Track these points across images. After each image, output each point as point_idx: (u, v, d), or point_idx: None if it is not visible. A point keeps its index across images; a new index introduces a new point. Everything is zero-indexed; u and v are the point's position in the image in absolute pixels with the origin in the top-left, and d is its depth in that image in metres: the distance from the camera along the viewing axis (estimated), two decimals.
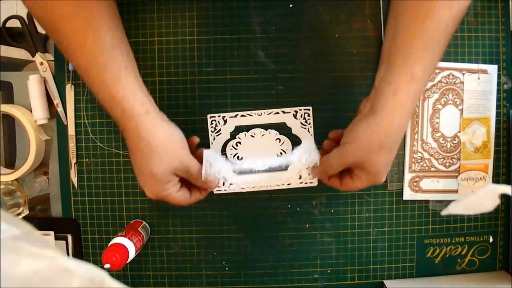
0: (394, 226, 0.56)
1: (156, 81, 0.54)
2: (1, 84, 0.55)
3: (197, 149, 0.51)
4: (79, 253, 0.56)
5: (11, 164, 0.56)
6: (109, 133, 0.54)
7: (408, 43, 0.43)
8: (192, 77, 0.54)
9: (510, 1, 0.55)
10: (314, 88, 0.54)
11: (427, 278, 0.56)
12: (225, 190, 0.51)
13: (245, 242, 0.56)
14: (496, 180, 0.56)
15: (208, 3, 0.54)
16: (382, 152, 0.44)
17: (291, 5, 0.53)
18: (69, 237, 0.56)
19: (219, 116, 0.54)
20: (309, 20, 0.54)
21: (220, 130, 0.54)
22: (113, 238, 0.49)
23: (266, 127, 0.54)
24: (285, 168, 0.51)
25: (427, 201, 0.56)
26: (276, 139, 0.54)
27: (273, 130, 0.54)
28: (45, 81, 0.54)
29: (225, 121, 0.54)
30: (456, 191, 0.55)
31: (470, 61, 0.54)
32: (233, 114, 0.54)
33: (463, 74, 0.54)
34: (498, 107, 0.55)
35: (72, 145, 0.55)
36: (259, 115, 0.54)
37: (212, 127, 0.54)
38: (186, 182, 0.48)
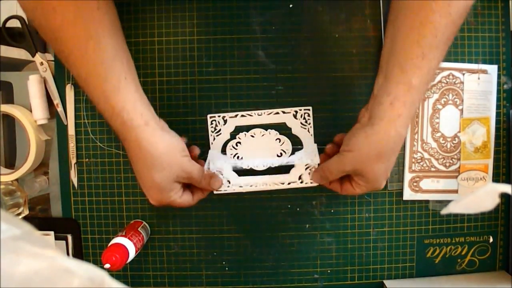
0: (394, 226, 0.56)
1: (156, 81, 0.54)
2: (1, 84, 0.55)
3: (199, 159, 0.52)
4: (79, 253, 0.56)
5: (11, 164, 0.56)
6: (109, 133, 0.54)
7: (405, 52, 0.43)
8: (192, 77, 0.54)
9: (510, 1, 0.55)
10: (314, 88, 0.54)
11: (427, 278, 0.56)
12: (225, 190, 0.52)
13: (245, 242, 0.56)
14: (496, 180, 0.56)
15: (208, 3, 0.54)
16: (381, 161, 0.45)
17: (291, 5, 0.53)
18: (69, 237, 0.56)
19: (219, 116, 0.54)
20: (309, 20, 0.54)
21: (220, 130, 0.54)
22: (113, 238, 0.49)
23: (266, 127, 0.54)
24: (287, 170, 0.51)
25: (427, 201, 0.56)
26: (276, 139, 0.54)
27: (273, 130, 0.54)
28: (45, 81, 0.54)
29: (225, 121, 0.54)
30: (456, 191, 0.55)
31: (470, 61, 0.54)
32: (233, 114, 0.54)
33: (463, 74, 0.54)
34: (498, 107, 0.55)
35: (72, 145, 0.55)
36: (259, 115, 0.54)
37: (212, 127, 0.54)
38: (189, 185, 0.49)
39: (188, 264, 0.56)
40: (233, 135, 0.54)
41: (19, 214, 0.54)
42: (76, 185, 0.55)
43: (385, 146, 0.44)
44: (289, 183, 0.53)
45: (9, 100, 0.55)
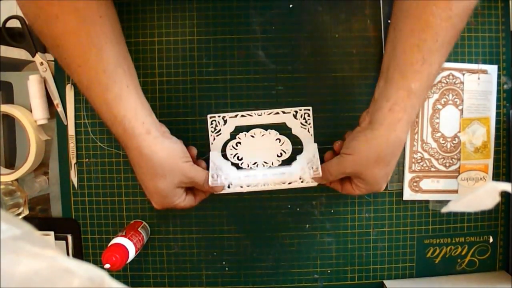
0: (394, 226, 0.56)
1: (156, 81, 0.54)
2: (1, 84, 0.55)
3: (199, 159, 0.52)
4: (79, 253, 0.56)
5: (11, 164, 0.56)
6: (109, 133, 0.54)
7: (405, 56, 0.43)
8: (192, 77, 0.54)
9: (510, 1, 0.55)
10: (314, 88, 0.54)
11: (427, 278, 0.56)
12: (225, 191, 0.52)
13: (245, 242, 0.56)
14: (496, 180, 0.56)
15: (208, 3, 0.54)
16: (380, 165, 0.45)
17: (291, 5, 0.53)
18: (69, 237, 0.56)
19: (219, 116, 0.54)
20: (309, 20, 0.54)
21: (220, 130, 0.54)
22: (113, 238, 0.49)
23: (266, 127, 0.54)
24: (287, 174, 0.51)
25: (427, 201, 0.56)
26: (276, 139, 0.54)
27: (273, 130, 0.54)
28: (45, 81, 0.54)
29: (225, 121, 0.54)
30: (456, 191, 0.55)
31: (470, 61, 0.54)
32: (233, 114, 0.54)
33: (463, 74, 0.54)
34: (498, 107, 0.55)
35: (72, 145, 0.55)
36: (259, 115, 0.54)
37: (212, 127, 0.54)
38: (190, 187, 0.50)
39: (188, 264, 0.56)
40: (233, 135, 0.54)
41: (19, 214, 0.53)
42: (76, 185, 0.55)
43: (384, 150, 0.44)
44: (289, 183, 0.53)
45: (9, 100, 0.55)
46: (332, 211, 0.56)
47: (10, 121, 0.55)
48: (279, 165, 0.54)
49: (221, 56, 0.54)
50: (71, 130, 0.55)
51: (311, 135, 0.54)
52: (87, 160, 0.55)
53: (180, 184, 0.47)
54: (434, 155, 0.55)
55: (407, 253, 0.56)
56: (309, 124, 0.54)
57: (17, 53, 0.55)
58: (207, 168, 0.51)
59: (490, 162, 0.55)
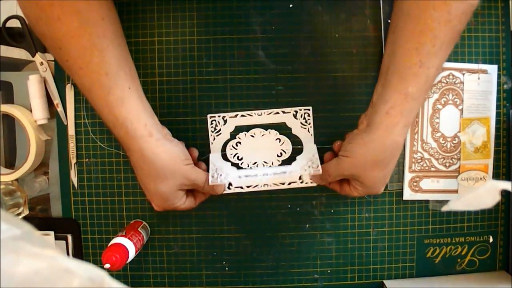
0: (394, 226, 0.56)
1: (156, 81, 0.54)
2: (1, 84, 0.55)
3: (199, 161, 0.52)
4: (79, 253, 0.56)
5: (11, 164, 0.56)
6: (109, 133, 0.54)
7: (403, 60, 0.43)
8: (192, 77, 0.54)
9: (510, 1, 0.55)
10: (314, 88, 0.54)
11: (427, 278, 0.56)
12: (225, 192, 0.52)
13: (245, 242, 0.56)
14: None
15: (208, 3, 0.54)
16: (377, 168, 0.45)
17: (291, 5, 0.53)
18: (69, 237, 0.56)
19: (219, 116, 0.54)
20: (309, 20, 0.54)
21: (220, 130, 0.54)
22: (113, 238, 0.49)
23: (266, 127, 0.54)
24: (288, 172, 0.51)
25: (427, 201, 0.56)
26: (276, 139, 0.54)
27: (273, 130, 0.54)
28: (45, 81, 0.54)
29: (225, 121, 0.54)
30: (456, 191, 0.55)
31: (470, 61, 0.54)
32: (233, 114, 0.54)
33: (463, 74, 0.54)
34: (498, 107, 0.55)
35: (72, 145, 0.55)
36: (259, 115, 0.54)
37: (212, 127, 0.54)
38: (191, 189, 0.50)
39: (188, 264, 0.56)
40: (233, 135, 0.54)
41: (19, 214, 0.54)
42: (76, 185, 0.55)
43: (381, 154, 0.44)
44: (289, 183, 0.53)
45: (9, 100, 0.55)
46: (332, 211, 0.56)
47: (10, 121, 0.55)
48: (279, 165, 0.54)
49: (221, 56, 0.54)
50: (71, 130, 0.55)
51: (311, 135, 0.54)
52: (87, 160, 0.55)
53: (181, 187, 0.47)
54: (434, 155, 0.55)
55: (407, 253, 0.56)
56: (309, 124, 0.54)
57: (17, 53, 0.55)
58: (207, 170, 0.51)
59: (490, 162, 0.55)
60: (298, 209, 0.55)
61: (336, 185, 0.51)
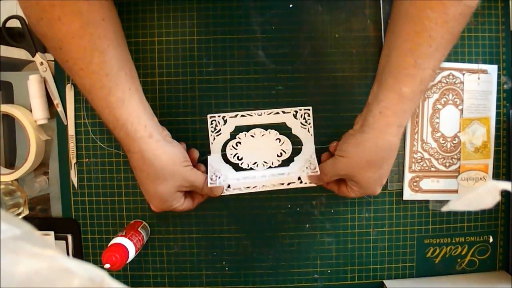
0: (394, 226, 0.56)
1: (156, 81, 0.54)
2: (1, 84, 0.55)
3: (199, 162, 0.52)
4: (79, 253, 0.56)
5: (11, 164, 0.56)
6: (109, 133, 0.54)
7: (398, 60, 0.43)
8: (192, 77, 0.54)
9: (510, 1, 0.55)
10: (314, 88, 0.54)
11: (427, 278, 0.56)
12: (223, 193, 0.52)
13: (245, 242, 0.56)
14: (496, 180, 0.56)
15: (208, 3, 0.54)
16: (371, 168, 0.45)
17: (291, 5, 0.53)
18: (69, 237, 0.56)
19: (219, 116, 0.54)
20: (309, 20, 0.54)
21: (220, 130, 0.54)
22: (113, 238, 0.49)
23: (266, 127, 0.54)
24: (286, 173, 0.52)
25: (427, 201, 0.56)
26: (276, 139, 0.54)
27: (273, 130, 0.54)
28: (45, 81, 0.54)
29: (225, 121, 0.54)
30: (456, 191, 0.55)
31: (470, 61, 0.54)
32: (233, 114, 0.54)
33: (463, 74, 0.54)
34: (498, 107, 0.55)
35: (72, 145, 0.55)
36: (259, 115, 0.54)
37: (212, 127, 0.54)
38: (189, 191, 0.50)
39: (188, 264, 0.56)
40: (233, 135, 0.54)
41: (19, 214, 0.54)
42: (76, 185, 0.55)
43: (375, 154, 0.44)
44: (288, 184, 0.53)
45: (9, 100, 0.55)
46: (332, 211, 0.56)
47: (10, 121, 0.55)
48: (279, 165, 0.54)
49: (221, 56, 0.54)
50: (71, 130, 0.55)
51: (311, 135, 0.54)
52: (87, 160, 0.55)
53: (180, 188, 0.47)
54: (434, 155, 0.55)
55: (407, 253, 0.56)
56: (309, 124, 0.54)
57: (17, 53, 0.55)
58: (206, 172, 0.51)
59: (490, 162, 0.55)
60: (298, 209, 0.55)
61: (334, 185, 0.51)
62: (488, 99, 0.54)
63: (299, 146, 0.54)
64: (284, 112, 0.54)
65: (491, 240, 0.56)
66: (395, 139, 0.44)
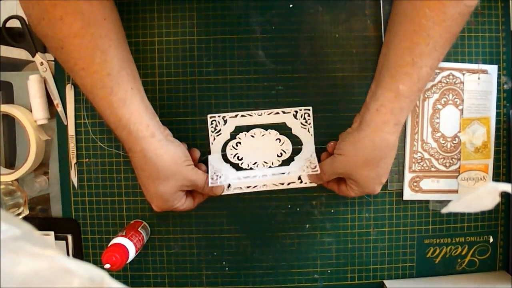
0: (394, 226, 0.56)
1: (156, 81, 0.54)
2: (1, 84, 0.55)
3: (199, 162, 0.52)
4: (79, 253, 0.56)
5: (11, 164, 0.56)
6: (109, 133, 0.54)
7: (396, 58, 0.43)
8: (192, 77, 0.54)
9: (510, 1, 0.55)
10: (314, 88, 0.54)
11: (427, 278, 0.56)
12: (224, 192, 0.52)
13: (245, 242, 0.56)
14: (496, 180, 0.56)
15: (208, 3, 0.54)
16: (368, 167, 0.45)
17: (291, 5, 0.53)
18: (69, 237, 0.56)
19: (219, 116, 0.54)
20: (309, 20, 0.54)
21: (220, 130, 0.54)
22: (113, 238, 0.49)
23: (266, 127, 0.54)
24: (286, 173, 0.52)
25: (427, 201, 0.56)
26: (276, 139, 0.54)
27: (273, 130, 0.54)
28: (45, 81, 0.54)
29: (225, 121, 0.54)
30: (456, 191, 0.55)
31: (470, 61, 0.54)
32: (233, 114, 0.54)
33: (463, 74, 0.54)
34: (498, 107, 0.55)
35: (72, 145, 0.55)
36: (259, 115, 0.54)
37: (212, 127, 0.54)
38: (190, 190, 0.50)
39: (188, 264, 0.56)
40: (233, 135, 0.54)
41: (19, 214, 0.54)
42: (76, 185, 0.55)
43: (371, 152, 0.44)
44: (288, 184, 0.53)
45: (9, 100, 0.55)
46: (332, 211, 0.56)
47: (10, 121, 0.55)
48: (279, 165, 0.54)
49: (221, 56, 0.54)
50: (71, 130, 0.55)
51: (311, 135, 0.54)
52: (87, 160, 0.55)
53: (182, 188, 0.47)
54: (434, 155, 0.55)
55: (407, 253, 0.56)
56: (309, 124, 0.54)
57: (17, 53, 0.55)
58: (207, 171, 0.51)
59: (490, 162, 0.55)
60: (298, 209, 0.55)
61: (334, 185, 0.51)
62: (488, 99, 0.54)
63: (299, 146, 0.54)
64: (284, 112, 0.54)
65: (491, 240, 0.56)
66: (392, 137, 0.44)
